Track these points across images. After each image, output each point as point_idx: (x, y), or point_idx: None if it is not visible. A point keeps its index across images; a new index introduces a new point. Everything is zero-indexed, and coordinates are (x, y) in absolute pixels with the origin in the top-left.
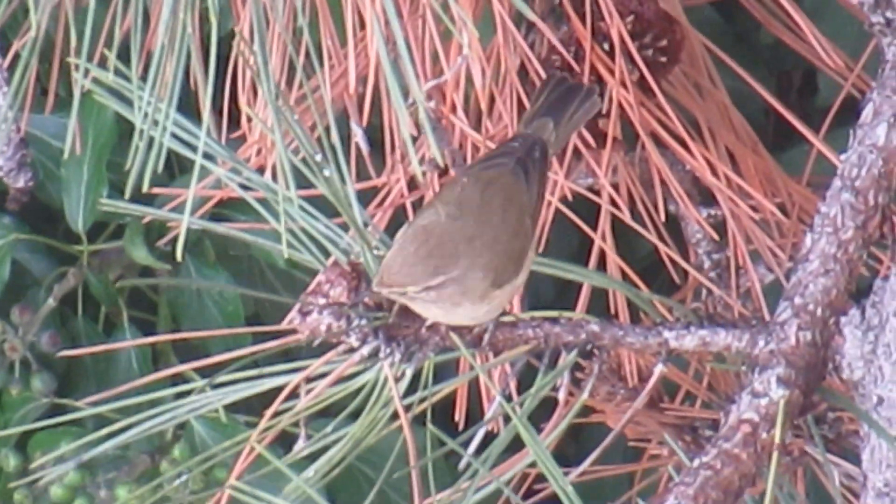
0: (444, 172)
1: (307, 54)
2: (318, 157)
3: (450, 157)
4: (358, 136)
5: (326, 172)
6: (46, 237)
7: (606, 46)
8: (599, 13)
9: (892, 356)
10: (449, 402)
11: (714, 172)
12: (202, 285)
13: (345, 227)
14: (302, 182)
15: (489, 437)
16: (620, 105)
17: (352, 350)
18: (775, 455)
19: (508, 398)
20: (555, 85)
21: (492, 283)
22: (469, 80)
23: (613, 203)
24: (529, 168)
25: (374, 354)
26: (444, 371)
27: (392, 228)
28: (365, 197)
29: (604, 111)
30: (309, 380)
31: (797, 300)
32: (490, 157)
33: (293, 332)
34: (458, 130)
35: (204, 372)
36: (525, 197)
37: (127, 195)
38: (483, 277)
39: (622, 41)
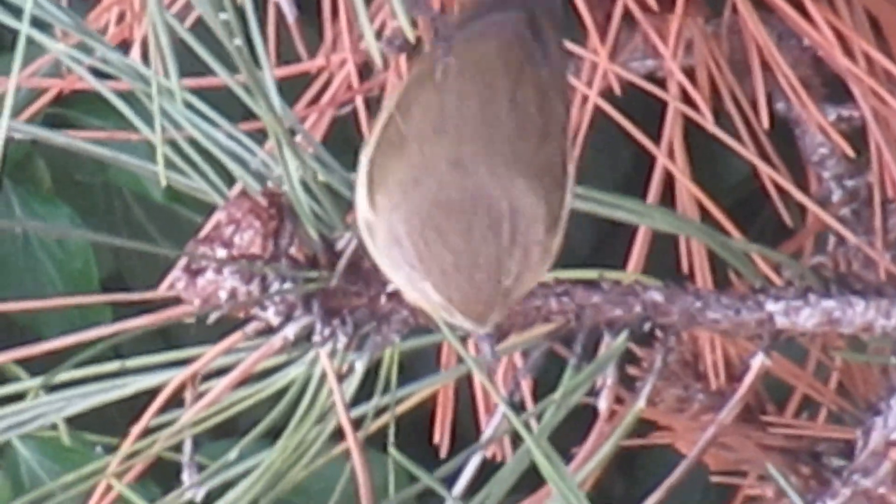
0: (415, 51)
1: None
2: (224, 18)
3: (427, 27)
4: None
5: (237, 42)
6: None
7: None
8: None
9: None
10: (424, 414)
11: (848, 50)
12: (31, 228)
13: (259, 138)
14: (190, 65)
15: (488, 469)
16: None
17: (270, 331)
18: None
19: (519, 407)
20: None
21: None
22: None
23: (687, 100)
24: (541, 24)
25: (304, 338)
26: (416, 365)
27: (335, 140)
28: (292, 90)
29: None
30: (201, 378)
31: None
32: (476, 13)
33: (176, 301)
34: None
35: (34, 366)
36: (542, 70)
37: None
38: (533, 191)
39: None
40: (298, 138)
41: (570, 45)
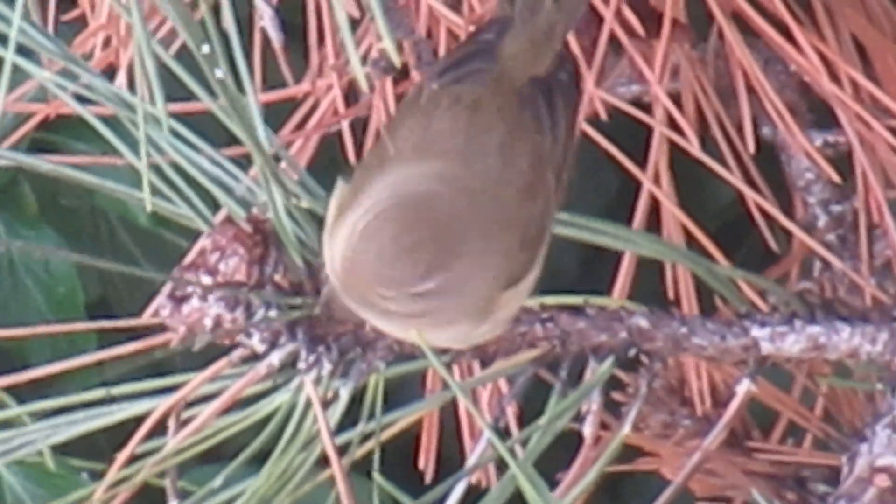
0: (402, 77)
1: None
2: (205, 50)
3: (412, 52)
4: (266, 18)
5: (219, 73)
6: None
7: None
8: None
9: None
10: (409, 440)
11: (834, 76)
12: (18, 253)
13: (244, 164)
14: (176, 91)
15: (474, 495)
16: None
17: (255, 358)
18: None
19: (504, 433)
20: None
21: (502, 284)
22: None
23: (673, 125)
24: (557, 101)
25: (290, 365)
26: (401, 392)
27: (320, 165)
28: (277, 115)
29: None
30: (186, 405)
31: None
32: (461, 58)
33: (161, 328)
34: (426, 9)
35: (20, 392)
36: (545, 138)
37: None
38: (492, 278)
39: None
40: (284, 164)
41: None
